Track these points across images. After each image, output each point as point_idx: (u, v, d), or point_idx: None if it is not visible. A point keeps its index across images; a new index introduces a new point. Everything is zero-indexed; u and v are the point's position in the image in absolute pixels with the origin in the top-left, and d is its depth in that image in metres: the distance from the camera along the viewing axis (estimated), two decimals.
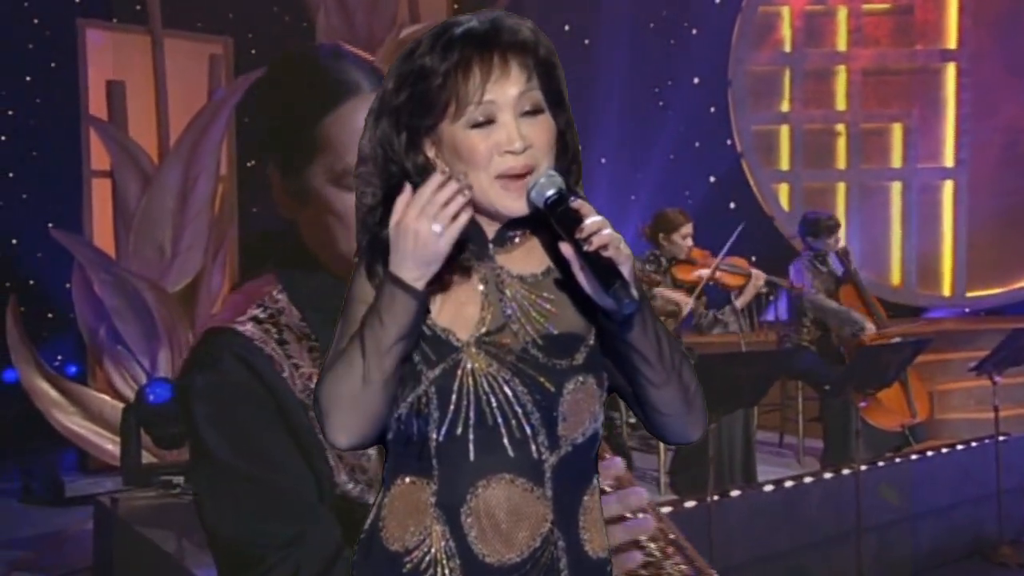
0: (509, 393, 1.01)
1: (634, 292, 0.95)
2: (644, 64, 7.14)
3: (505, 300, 1.04)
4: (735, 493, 3.50)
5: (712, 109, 7.16)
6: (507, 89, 1.00)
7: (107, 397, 5.13)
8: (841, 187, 7.18)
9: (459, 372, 1.01)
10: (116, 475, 4.78)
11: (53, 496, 5.02)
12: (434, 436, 1.01)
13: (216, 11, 6.00)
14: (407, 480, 1.03)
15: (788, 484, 3.59)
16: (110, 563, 4.12)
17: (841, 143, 7.17)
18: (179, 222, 5.22)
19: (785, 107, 7.15)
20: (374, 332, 0.99)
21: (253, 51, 6.10)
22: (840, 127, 7.17)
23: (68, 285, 5.25)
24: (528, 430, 1.01)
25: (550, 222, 1.01)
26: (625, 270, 0.94)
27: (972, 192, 7.09)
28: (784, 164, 7.19)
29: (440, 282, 1.03)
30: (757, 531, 3.43)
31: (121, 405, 4.82)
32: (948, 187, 7.16)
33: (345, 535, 1.12)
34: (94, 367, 5.37)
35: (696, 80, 7.18)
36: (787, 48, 7.13)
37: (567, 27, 7.01)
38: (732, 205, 6.91)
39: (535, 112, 1.01)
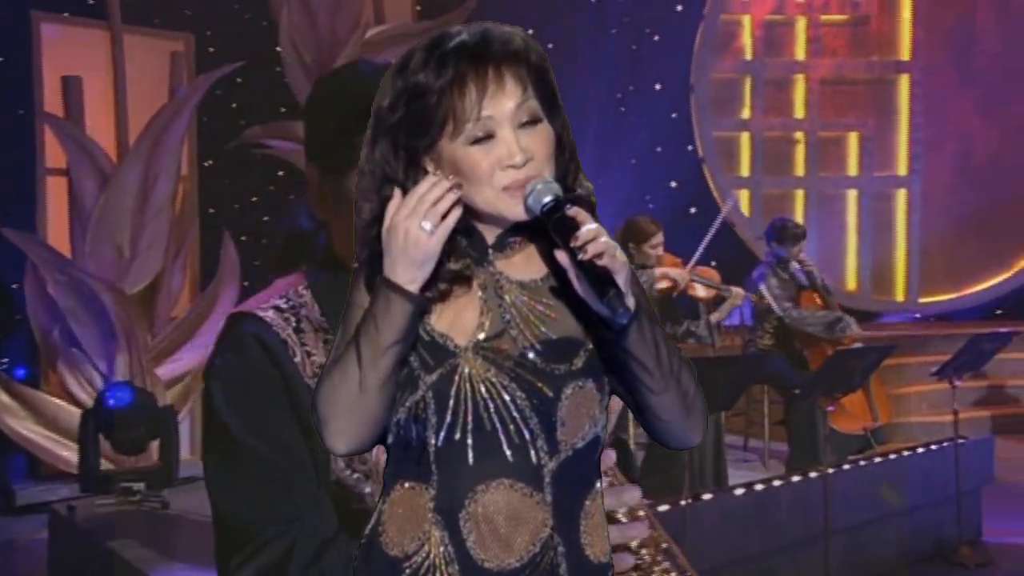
0: (507, 398, 1.01)
1: (629, 301, 0.95)
2: (606, 69, 7.19)
3: (504, 305, 1.04)
4: (707, 497, 3.53)
5: (674, 115, 7.23)
6: (504, 103, 0.99)
7: (61, 401, 4.98)
8: (800, 194, 7.31)
9: (456, 377, 1.01)
10: (70, 482, 4.64)
11: (3, 504, 4.86)
12: (433, 441, 1.01)
13: (175, 7, 5.87)
14: (406, 485, 1.03)
15: (758, 487, 3.63)
16: (66, 573, 4.00)
17: (800, 151, 7.31)
18: (138, 222, 5.10)
19: (746, 114, 7.26)
20: (369, 338, 0.99)
21: (212, 49, 5.98)
22: (799, 135, 7.31)
23: (16, 286, 5.09)
24: (527, 435, 1.00)
25: (547, 229, 1.01)
26: (620, 279, 0.94)
27: (924, 200, 7.29)
28: (744, 170, 7.30)
29: (439, 288, 1.03)
30: (729, 534, 3.47)
31: (76, 410, 4.68)
32: (902, 195, 7.34)
33: (339, 522, 1.15)
34: (47, 370, 5.21)
35: (658, 86, 7.25)
36: (748, 56, 7.24)
37: (530, 31, 7.01)
38: (693, 210, 6.99)
39: (533, 122, 1.01)
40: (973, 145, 7.19)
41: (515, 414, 1.01)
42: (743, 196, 7.28)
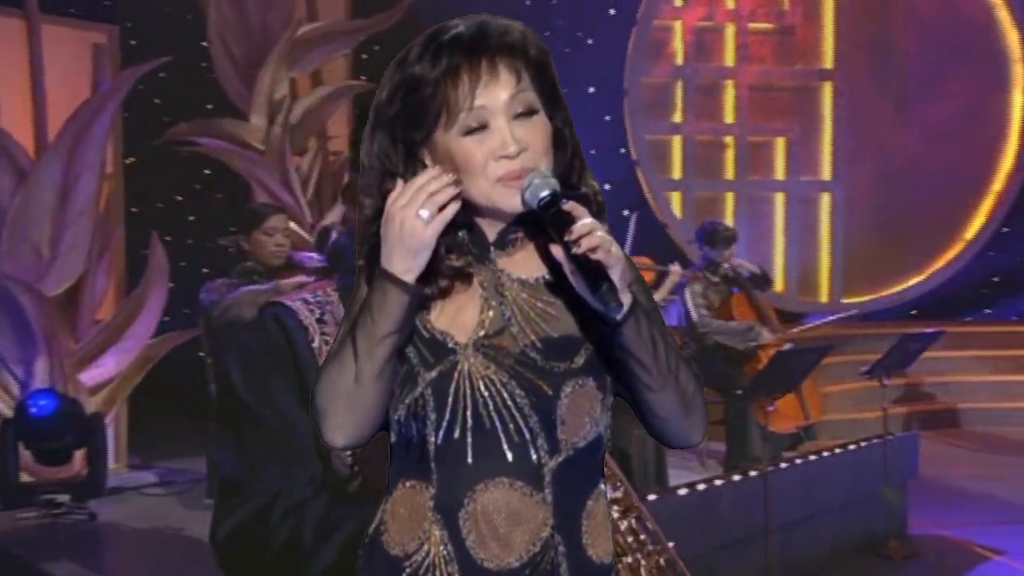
0: (506, 396, 1.00)
1: (624, 296, 0.96)
2: None
3: (505, 303, 1.04)
4: (652, 497, 3.56)
5: (607, 117, 7.30)
6: (497, 93, 1.00)
7: None
8: (730, 197, 7.48)
9: (456, 374, 1.01)
10: None
11: None
12: (432, 439, 1.01)
13: None
14: (408, 484, 1.03)
15: (701, 487, 3.67)
16: None
17: (729, 154, 7.47)
18: (59, 221, 4.87)
19: (678, 118, 7.39)
20: (365, 329, 0.98)
21: (133, 42, 5.76)
22: (728, 139, 7.47)
23: None
24: (527, 433, 1.00)
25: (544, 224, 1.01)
26: (615, 273, 0.94)
27: (847, 204, 7.54)
28: (676, 173, 7.43)
29: (439, 285, 1.03)
30: (673, 534, 3.46)
31: None
32: (825, 199, 7.58)
33: (325, 486, 1.26)
34: None
35: (592, 89, 7.30)
36: (679, 61, 7.37)
37: None
38: (626, 212, 7.07)
39: (529, 113, 1.01)
40: (892, 151, 7.47)
41: (515, 412, 1.00)
42: (675, 198, 7.40)
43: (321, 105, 6.24)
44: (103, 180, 5.08)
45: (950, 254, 7.57)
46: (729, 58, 7.42)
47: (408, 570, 1.02)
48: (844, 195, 7.53)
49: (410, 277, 0.98)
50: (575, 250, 0.94)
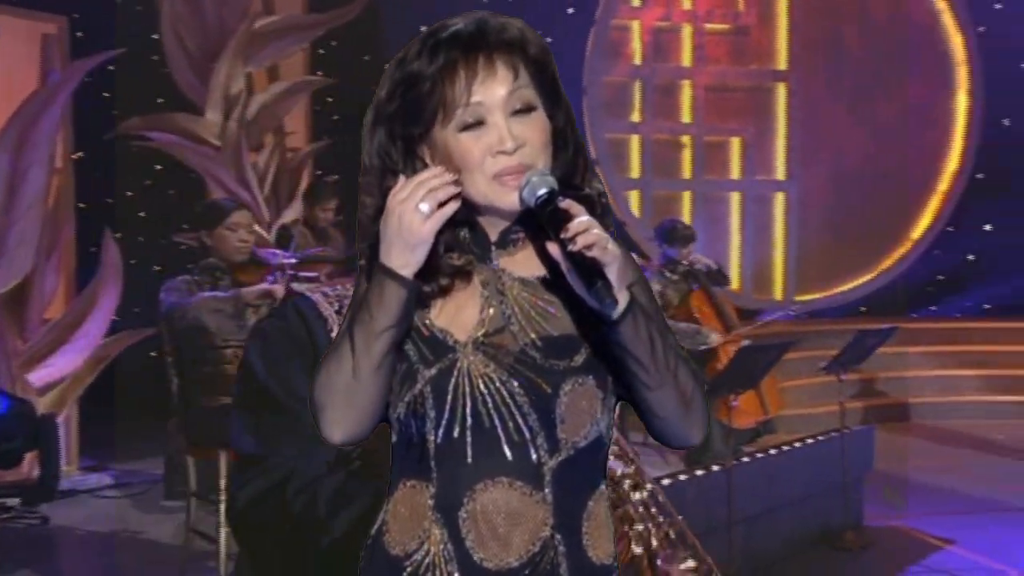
0: (505, 394, 1.00)
1: (620, 294, 0.96)
2: None
3: (505, 302, 1.04)
4: None
5: None
6: (495, 89, 1.00)
7: None
8: (687, 196, 7.56)
9: (455, 372, 1.01)
10: None
11: None
12: (432, 438, 1.01)
13: None
14: (409, 484, 1.03)
15: (666, 482, 3.70)
16: None
17: (686, 154, 7.56)
18: (6, 217, 4.72)
19: (636, 117, 7.45)
20: (362, 324, 0.98)
21: (80, 33, 5.61)
22: (685, 139, 7.56)
23: None
24: (526, 432, 1.00)
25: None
26: (612, 271, 0.95)
27: (800, 203, 7.68)
28: (635, 172, 7.49)
29: (440, 283, 1.03)
30: None
31: None
32: (780, 199, 7.71)
33: (339, 465, 1.31)
34: None
35: None
36: (637, 61, 7.43)
37: (423, 28, 6.96)
38: None
39: (527, 110, 1.01)
40: (845, 151, 7.63)
41: (514, 410, 1.00)
42: (633, 197, 7.46)
43: (278, 101, 6.15)
44: (52, 175, 4.95)
45: (898, 253, 7.77)
46: (686, 58, 7.51)
47: (408, 569, 1.01)
48: (798, 195, 7.67)
49: (408, 272, 0.98)
50: (571, 247, 0.94)
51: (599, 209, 1.05)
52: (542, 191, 0.98)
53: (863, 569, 3.91)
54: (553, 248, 0.96)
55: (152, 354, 5.54)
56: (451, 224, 1.01)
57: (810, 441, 4.38)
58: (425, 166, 1.02)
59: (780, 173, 7.69)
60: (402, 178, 1.00)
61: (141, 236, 6.26)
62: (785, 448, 4.31)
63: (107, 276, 4.87)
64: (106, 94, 6.16)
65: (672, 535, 1.43)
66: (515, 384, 1.00)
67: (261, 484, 1.30)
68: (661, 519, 1.41)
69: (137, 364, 5.46)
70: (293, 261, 3.16)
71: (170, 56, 5.75)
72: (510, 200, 1.00)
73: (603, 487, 1.06)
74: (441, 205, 0.97)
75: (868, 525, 4.29)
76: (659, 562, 1.37)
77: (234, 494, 1.35)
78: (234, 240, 3.15)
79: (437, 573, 1.00)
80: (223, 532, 3.07)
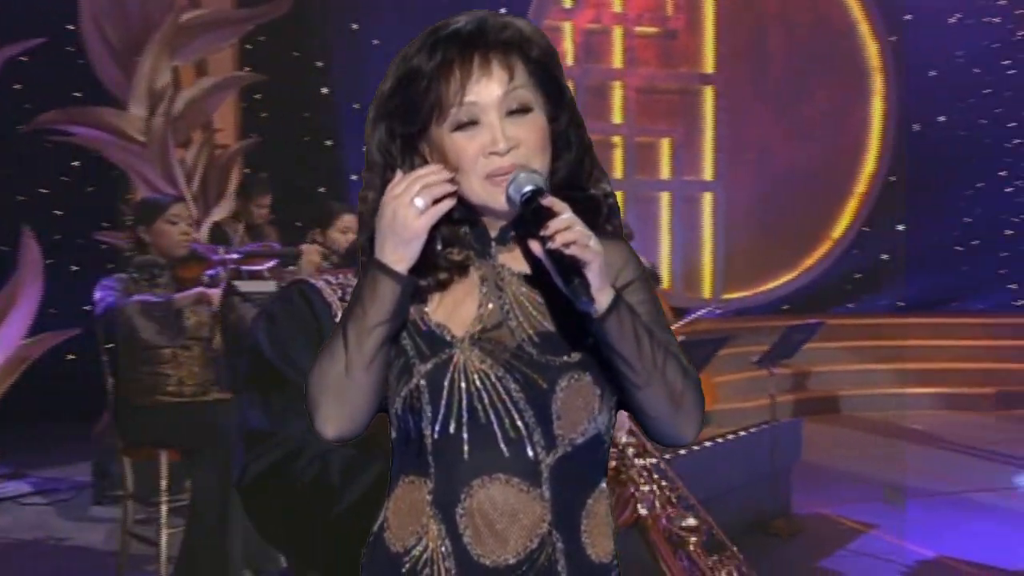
0: (501, 390, 1.00)
1: (601, 292, 0.96)
2: None
3: (504, 297, 1.04)
4: None
5: None
6: (489, 89, 1.00)
7: None
8: (619, 196, 7.59)
9: (451, 367, 1.01)
10: None
11: None
12: (428, 433, 1.01)
13: None
14: (408, 480, 1.03)
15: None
16: None
17: (618, 154, 7.67)
18: None
19: None
20: (355, 320, 0.98)
21: None
22: (617, 139, 7.67)
23: None
24: (522, 428, 1.00)
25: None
26: (592, 269, 0.95)
27: (727, 204, 7.88)
28: None
29: (438, 277, 1.03)
30: None
31: None
32: (708, 199, 7.89)
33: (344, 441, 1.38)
34: None
35: None
36: (570, 62, 7.50)
37: (355, 26, 6.90)
38: None
39: (522, 111, 1.01)
40: (769, 153, 7.86)
41: (510, 406, 1.00)
42: None
43: (206, 96, 6.00)
44: None
45: (819, 252, 8.05)
46: (617, 60, 7.62)
47: (407, 565, 1.01)
48: (725, 195, 7.87)
49: (401, 267, 0.97)
50: (549, 245, 0.94)
51: (605, 210, 1.05)
52: (527, 188, 0.98)
53: (793, 554, 4.04)
54: (535, 245, 0.96)
55: (70, 357, 5.34)
56: (451, 220, 1.01)
57: (742, 434, 4.50)
58: (424, 163, 1.02)
59: (708, 174, 7.88)
60: (399, 173, 1.00)
61: (57, 234, 6.03)
62: (719, 440, 4.42)
63: (27, 275, 4.68)
64: (18, 86, 5.91)
65: (674, 498, 1.49)
66: (511, 380, 1.00)
67: (272, 457, 1.32)
68: (664, 483, 1.47)
69: (58, 367, 5.26)
70: (235, 256, 3.08)
71: (90, 48, 5.55)
72: (501, 200, 1.00)
73: (603, 485, 1.06)
74: (436, 202, 0.97)
75: (796, 513, 4.43)
76: (663, 521, 1.43)
77: (245, 467, 1.37)
78: (175, 234, 3.07)
79: (435, 569, 1.00)
80: (164, 534, 2.98)
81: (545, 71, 1.03)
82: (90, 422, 4.45)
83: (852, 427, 6.42)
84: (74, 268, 5.69)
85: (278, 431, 1.33)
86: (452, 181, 1.00)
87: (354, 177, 6.87)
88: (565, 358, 1.01)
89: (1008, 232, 8.25)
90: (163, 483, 2.98)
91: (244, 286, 3.19)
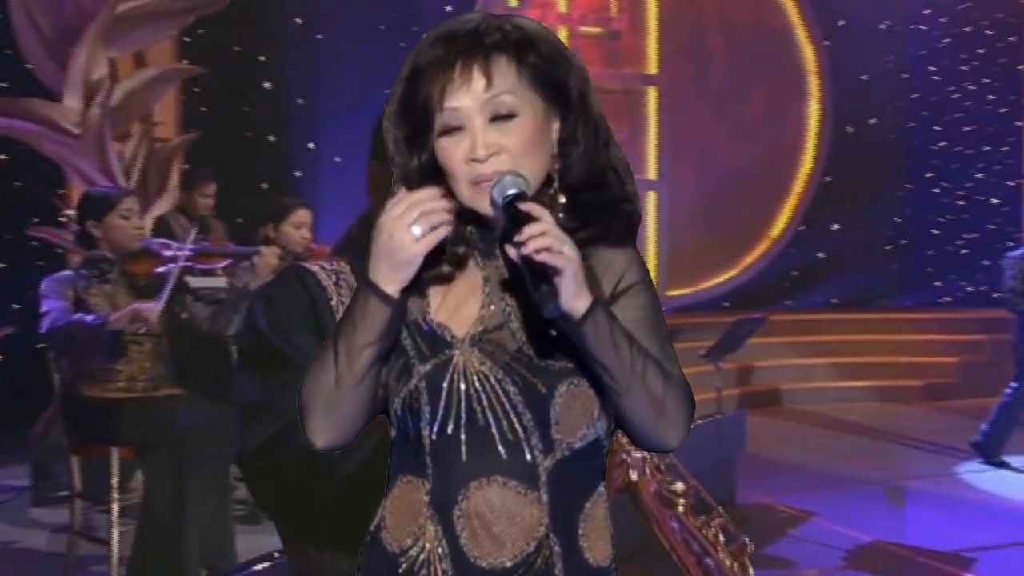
0: (500, 392, 1.00)
1: (578, 299, 0.94)
2: (375, 64, 7.12)
3: (507, 299, 1.03)
4: None
5: None
6: (468, 95, 0.99)
7: None
8: None
9: (450, 368, 1.01)
10: None
11: None
12: (427, 434, 1.01)
13: None
14: (405, 480, 1.03)
15: None
16: None
17: None
18: None
19: None
20: (346, 337, 0.98)
21: None
22: None
23: None
24: (520, 431, 1.00)
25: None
26: (565, 276, 0.93)
27: (671, 203, 8.01)
28: None
29: (442, 271, 1.04)
30: None
31: None
32: (652, 198, 8.01)
33: None
34: None
35: None
36: None
37: (299, 20, 6.81)
38: None
39: (507, 117, 1.00)
40: (710, 153, 8.02)
41: (508, 409, 1.00)
42: None
43: (145, 88, 5.85)
44: None
45: (758, 250, 8.24)
46: None
47: (404, 566, 1.01)
48: (668, 194, 7.99)
49: (393, 289, 0.97)
50: (521, 250, 0.93)
51: (620, 212, 1.05)
52: (510, 192, 0.98)
53: None
54: (511, 250, 0.95)
55: (0, 357, 5.15)
56: (459, 218, 1.02)
57: (691, 425, 4.58)
58: (429, 168, 1.02)
59: (652, 173, 7.99)
60: (401, 190, 0.99)
61: None
62: None
63: None
64: None
65: (663, 465, 1.54)
66: (510, 382, 1.00)
67: (271, 429, 1.34)
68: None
69: None
70: (188, 253, 3.01)
71: (21, 37, 5.36)
72: (486, 205, 1.00)
73: (601, 488, 1.05)
74: (434, 228, 0.97)
75: (740, 502, 4.53)
76: (653, 485, 1.48)
77: (245, 440, 1.39)
78: (128, 228, 2.99)
79: (431, 570, 1.00)
80: (116, 532, 2.90)
81: (543, 73, 1.01)
82: (25, 423, 4.30)
83: (793, 419, 6.60)
84: (2, 266, 5.49)
85: (277, 405, 1.34)
86: (450, 206, 0.99)
87: (298, 173, 6.77)
88: (565, 363, 1.00)
89: (935, 232, 8.58)
90: (114, 481, 2.89)
91: (195, 282, 3.12)
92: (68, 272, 3.05)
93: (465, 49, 0.99)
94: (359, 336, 0.97)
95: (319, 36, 6.87)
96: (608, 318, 0.97)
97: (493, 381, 1.00)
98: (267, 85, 6.76)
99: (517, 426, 1.00)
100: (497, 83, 0.99)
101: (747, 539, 2.31)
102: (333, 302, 1.43)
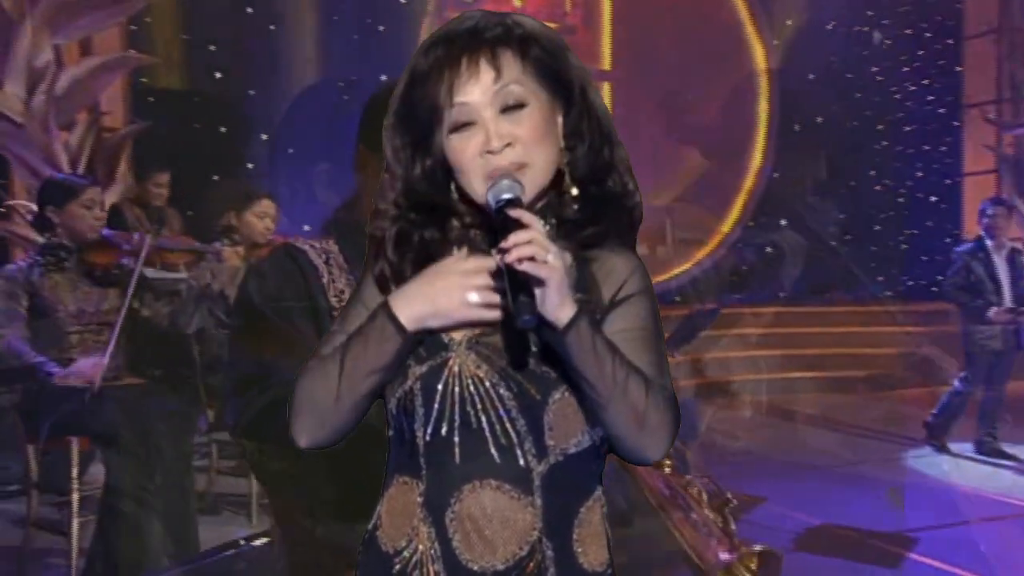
0: (494, 397, 1.00)
1: (561, 309, 0.93)
2: (330, 57, 7.07)
3: (504, 302, 1.01)
4: None
5: None
6: (477, 88, 0.99)
7: None
8: None
9: (445, 371, 1.01)
10: None
11: None
12: (421, 435, 1.02)
13: None
14: (401, 480, 1.04)
15: None
16: None
17: None
18: None
19: None
20: (355, 356, 0.99)
21: None
22: None
23: None
24: (514, 436, 0.99)
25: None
26: (548, 285, 0.92)
27: None
28: None
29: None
30: None
31: None
32: None
33: None
34: None
35: (384, 77, 7.28)
36: None
37: (249, 10, 6.71)
38: None
39: (517, 107, 1.00)
40: (664, 150, 8.13)
41: (502, 413, 1.00)
42: None
43: (91, 76, 5.69)
44: None
45: (710, 246, 8.38)
46: None
47: (397, 566, 1.02)
48: None
49: (415, 327, 0.98)
50: (505, 258, 0.92)
51: (622, 209, 1.05)
52: (503, 197, 0.97)
53: None
54: (496, 256, 0.95)
55: None
56: (463, 223, 1.02)
57: None
58: (433, 173, 1.02)
59: None
60: (465, 252, 1.01)
61: None
62: None
63: None
64: None
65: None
66: (504, 387, 1.00)
67: (266, 398, 1.37)
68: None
69: None
70: (147, 247, 2.95)
71: None
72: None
73: (598, 493, 1.04)
74: (487, 305, 0.98)
75: None
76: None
77: (240, 411, 1.43)
78: (90, 218, 2.92)
79: (424, 572, 1.00)
80: (76, 523, 2.84)
81: (546, 65, 1.02)
82: None
83: (744, 409, 6.74)
84: None
85: (270, 375, 1.37)
86: (458, 186, 1.01)
87: (250, 165, 6.68)
88: (561, 370, 0.99)
89: (877, 228, 8.83)
90: (74, 471, 2.84)
91: (153, 273, 3.07)
92: (17, 264, 2.98)
93: (468, 45, 1.00)
94: (369, 359, 0.97)
95: (271, 27, 6.78)
96: (592, 329, 0.96)
97: (488, 385, 1.00)
98: (218, 75, 6.65)
99: (510, 431, 0.99)
100: (505, 74, 1.00)
101: (729, 494, 2.38)
102: (324, 280, 1.45)
